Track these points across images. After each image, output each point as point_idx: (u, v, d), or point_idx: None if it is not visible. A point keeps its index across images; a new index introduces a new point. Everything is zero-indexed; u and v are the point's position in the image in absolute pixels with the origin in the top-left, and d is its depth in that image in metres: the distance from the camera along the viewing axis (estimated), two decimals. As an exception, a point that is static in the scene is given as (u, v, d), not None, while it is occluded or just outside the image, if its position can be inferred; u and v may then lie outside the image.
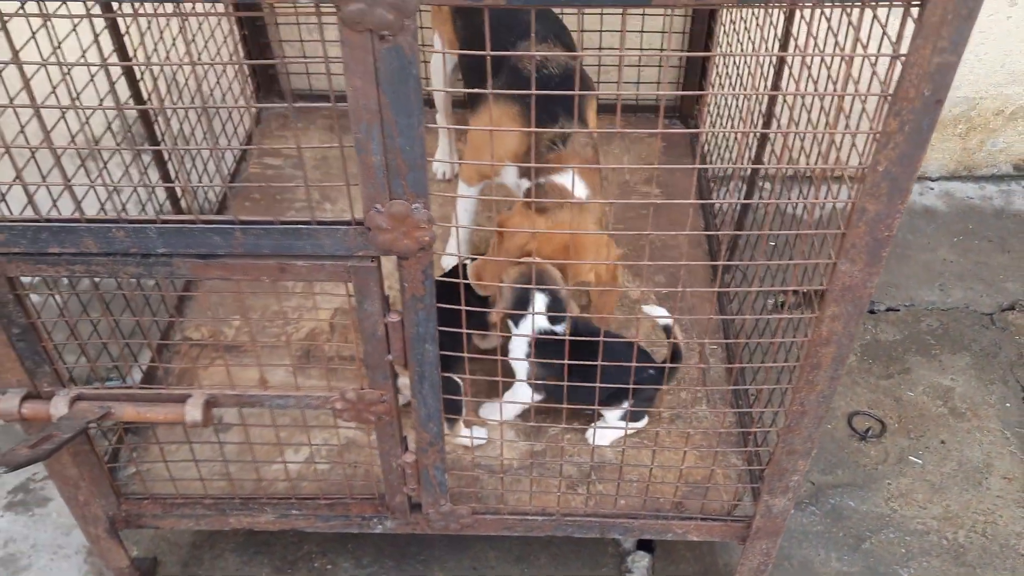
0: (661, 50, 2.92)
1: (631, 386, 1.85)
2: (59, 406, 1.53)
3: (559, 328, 1.91)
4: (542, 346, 1.88)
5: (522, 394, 1.99)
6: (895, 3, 1.12)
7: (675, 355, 1.98)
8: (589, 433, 2.07)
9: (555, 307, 1.91)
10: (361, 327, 1.49)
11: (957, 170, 3.33)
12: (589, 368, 1.63)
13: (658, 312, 2.03)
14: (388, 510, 1.86)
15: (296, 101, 2.96)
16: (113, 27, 2.03)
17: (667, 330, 1.99)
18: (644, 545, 2.22)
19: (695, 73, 2.97)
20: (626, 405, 1.97)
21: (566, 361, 1.62)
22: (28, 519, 2.34)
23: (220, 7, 2.06)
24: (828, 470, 2.39)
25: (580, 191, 1.97)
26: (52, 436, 1.43)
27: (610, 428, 2.04)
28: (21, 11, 1.20)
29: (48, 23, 1.42)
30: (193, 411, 1.53)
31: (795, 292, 1.51)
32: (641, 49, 2.93)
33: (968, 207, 3.24)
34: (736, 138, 2.50)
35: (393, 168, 1.26)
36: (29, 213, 1.35)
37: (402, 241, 1.35)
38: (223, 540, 2.23)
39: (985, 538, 2.23)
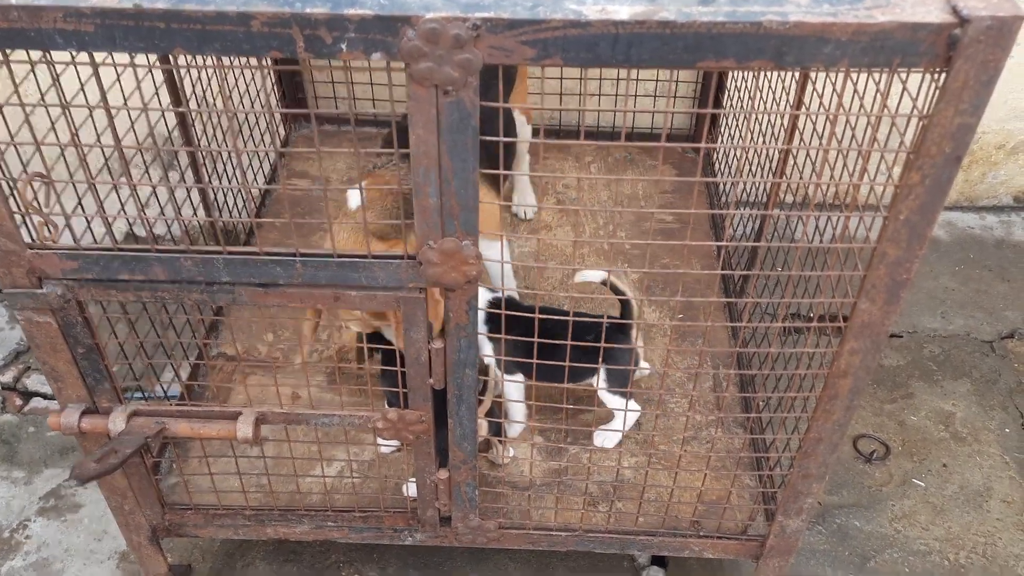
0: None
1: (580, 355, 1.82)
2: (117, 422, 1.62)
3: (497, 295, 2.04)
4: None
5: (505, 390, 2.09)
6: (920, 70, 1.21)
7: (625, 310, 2.08)
8: (596, 437, 2.18)
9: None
10: (406, 352, 1.58)
11: (959, 200, 3.44)
12: (554, 348, 1.69)
13: (594, 275, 2.08)
14: (419, 523, 1.95)
15: (323, 124, 3.06)
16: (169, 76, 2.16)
17: (612, 288, 2.07)
18: (658, 560, 2.31)
19: (708, 104, 3.07)
20: (603, 374, 2.04)
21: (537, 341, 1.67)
22: (60, 524, 2.41)
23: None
24: (834, 490, 2.48)
25: None
26: (116, 451, 1.52)
27: (612, 431, 2.15)
28: (110, 62, 1.29)
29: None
30: (244, 428, 1.62)
31: (815, 318, 1.61)
32: (657, 80, 3.04)
33: (969, 237, 3.34)
34: (750, 170, 2.60)
35: (447, 209, 1.35)
36: (88, 239, 1.45)
37: (450, 275, 1.44)
38: (254, 549, 2.32)
39: (985, 559, 2.33)
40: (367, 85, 3.04)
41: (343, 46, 1.17)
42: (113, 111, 1.48)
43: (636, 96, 3.09)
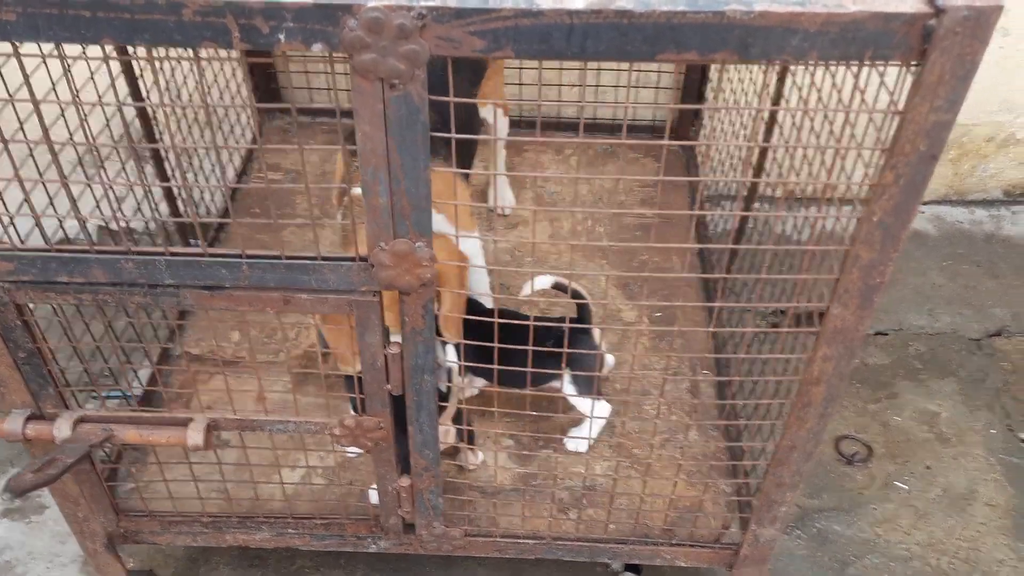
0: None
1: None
2: (62, 428, 1.55)
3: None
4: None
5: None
6: (894, 63, 1.15)
7: (581, 311, 2.03)
8: (568, 443, 2.11)
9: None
10: (362, 358, 1.51)
11: (948, 194, 3.38)
12: (514, 352, 1.61)
13: (542, 281, 2.01)
14: (382, 531, 1.89)
15: (299, 116, 2.98)
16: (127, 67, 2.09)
17: (562, 288, 2.00)
18: (632, 566, 2.25)
19: (691, 95, 2.99)
20: (567, 378, 1.99)
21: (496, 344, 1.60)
22: (25, 526, 2.35)
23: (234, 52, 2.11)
24: (814, 494, 2.42)
25: None
26: (57, 460, 1.45)
27: (581, 437, 2.09)
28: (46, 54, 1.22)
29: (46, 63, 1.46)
30: (195, 435, 1.56)
31: (789, 318, 1.54)
32: (640, 71, 2.96)
33: (958, 231, 3.28)
34: (731, 164, 2.54)
35: (398, 209, 1.29)
36: (36, 235, 1.38)
37: (404, 278, 1.37)
38: (217, 554, 2.25)
39: (968, 565, 2.27)
40: (343, 75, 2.97)
41: (281, 36, 1.10)
42: (65, 106, 1.42)
43: (616, 87, 3.01)
